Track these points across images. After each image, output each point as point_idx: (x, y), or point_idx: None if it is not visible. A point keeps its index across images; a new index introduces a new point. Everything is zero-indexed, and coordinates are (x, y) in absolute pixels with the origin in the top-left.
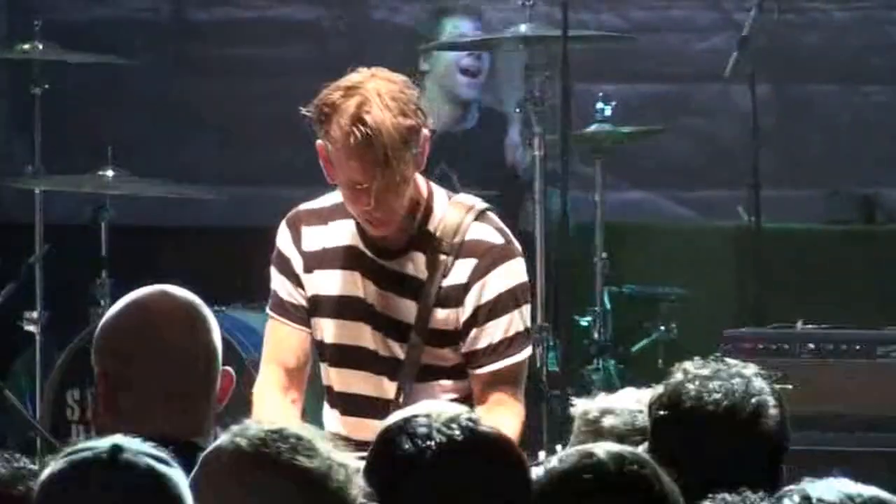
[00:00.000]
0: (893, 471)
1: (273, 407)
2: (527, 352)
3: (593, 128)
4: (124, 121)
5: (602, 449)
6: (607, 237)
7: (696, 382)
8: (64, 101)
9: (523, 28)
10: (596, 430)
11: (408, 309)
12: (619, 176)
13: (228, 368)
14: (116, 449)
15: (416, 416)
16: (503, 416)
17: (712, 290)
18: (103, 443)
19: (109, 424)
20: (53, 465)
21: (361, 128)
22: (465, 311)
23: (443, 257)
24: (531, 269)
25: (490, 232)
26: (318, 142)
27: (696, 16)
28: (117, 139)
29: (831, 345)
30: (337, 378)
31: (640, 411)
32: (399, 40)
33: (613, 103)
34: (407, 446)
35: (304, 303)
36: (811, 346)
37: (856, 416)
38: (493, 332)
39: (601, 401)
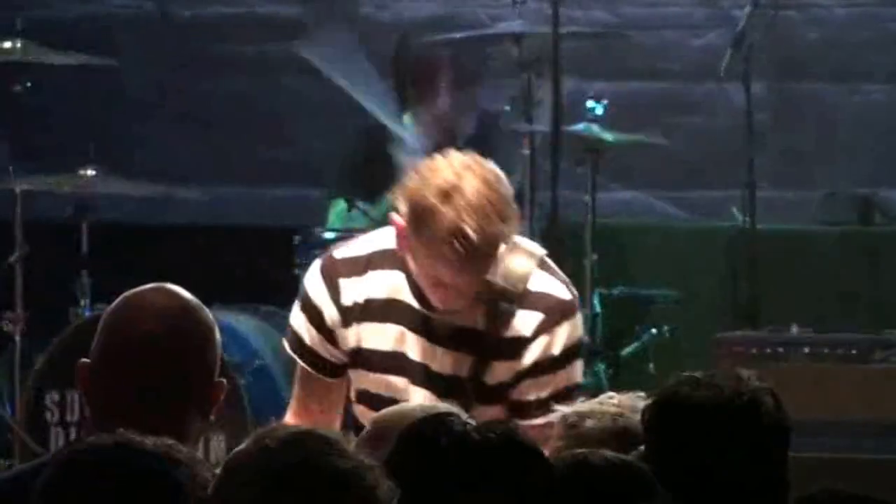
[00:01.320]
0: (891, 478)
1: None
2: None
3: (581, 126)
4: (106, 119)
5: (597, 457)
6: (598, 238)
7: (688, 384)
8: (45, 98)
9: (514, 24)
10: (576, 435)
11: (458, 363)
12: (610, 175)
13: (223, 380)
14: (119, 444)
15: (447, 415)
16: None
17: (705, 292)
18: (104, 441)
19: (91, 422)
20: (53, 464)
21: (462, 241)
22: (523, 363)
23: (505, 306)
24: None
25: (555, 284)
26: (397, 219)
27: (691, 12)
28: (99, 137)
29: (826, 349)
30: None
31: (621, 415)
32: (385, 37)
33: (605, 102)
34: (443, 441)
35: (336, 357)
36: (806, 349)
37: (852, 422)
38: (546, 385)
39: (580, 405)
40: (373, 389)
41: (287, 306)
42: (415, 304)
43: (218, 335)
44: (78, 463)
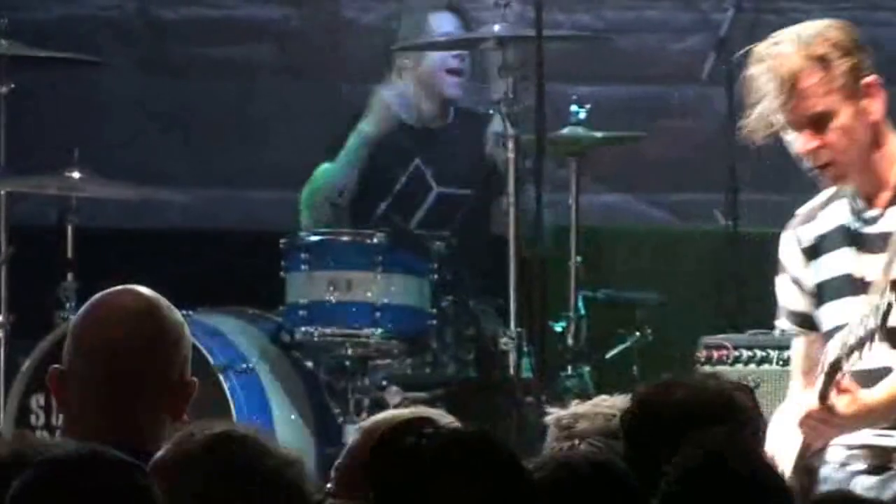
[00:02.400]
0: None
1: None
2: None
3: (566, 130)
4: (91, 121)
5: (578, 457)
6: (581, 241)
7: (665, 385)
8: (30, 100)
9: (497, 28)
10: (569, 436)
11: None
12: (593, 178)
13: (194, 379)
14: (88, 456)
15: (420, 420)
16: None
17: (689, 295)
18: (76, 450)
19: (63, 427)
20: (26, 471)
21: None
22: None
23: None
24: (503, 273)
25: None
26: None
27: (673, 16)
28: (84, 140)
29: None
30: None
31: (614, 415)
32: (369, 40)
33: (588, 106)
34: (413, 443)
35: (804, 307)
36: (789, 353)
37: None
38: None
39: (574, 407)
40: (828, 325)
41: (273, 309)
42: (851, 221)
43: (187, 334)
44: (47, 474)
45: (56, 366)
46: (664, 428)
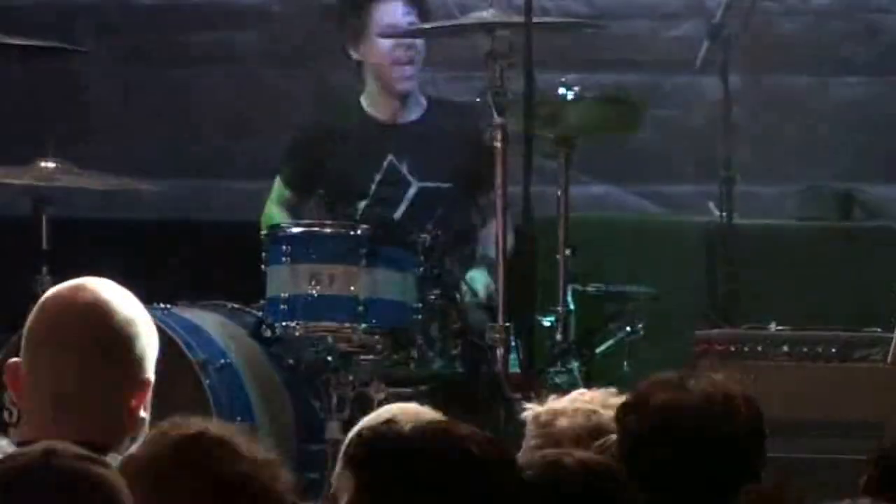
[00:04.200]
0: None
1: None
2: None
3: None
4: (66, 109)
5: (570, 458)
6: (570, 233)
7: (661, 385)
8: (3, 88)
9: (485, 14)
10: (549, 434)
11: None
12: (582, 169)
13: (149, 378)
14: (48, 453)
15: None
16: None
17: (681, 289)
18: (35, 448)
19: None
20: None
21: None
22: None
23: None
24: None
25: None
26: None
27: (665, 1)
28: (58, 129)
29: (806, 347)
30: None
31: (594, 411)
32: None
33: (577, 88)
34: (392, 441)
35: None
36: (785, 348)
37: (832, 421)
38: None
39: (552, 403)
40: None
41: (254, 302)
42: None
43: (147, 330)
44: (2, 473)
45: (14, 359)
46: (661, 430)
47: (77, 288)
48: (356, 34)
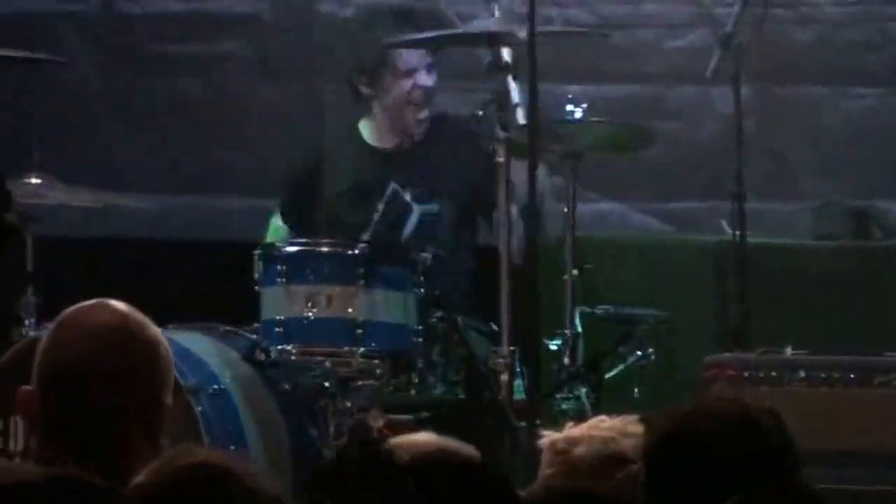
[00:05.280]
0: None
1: None
2: None
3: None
4: (49, 123)
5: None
6: (577, 252)
7: (690, 414)
8: None
9: (489, 24)
10: (566, 461)
11: None
12: (588, 185)
13: (170, 402)
14: (59, 478)
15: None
16: None
17: (692, 311)
18: (46, 472)
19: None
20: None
21: None
22: None
23: None
24: (494, 288)
25: None
26: None
27: (672, 11)
28: (43, 142)
29: (823, 372)
30: None
31: (613, 439)
32: (347, 36)
33: (584, 105)
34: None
35: None
36: (801, 373)
37: (851, 450)
38: None
39: (569, 430)
40: None
41: (247, 324)
42: None
43: (166, 353)
44: (16, 500)
45: (26, 387)
46: (690, 460)
47: (97, 309)
48: (372, 75)
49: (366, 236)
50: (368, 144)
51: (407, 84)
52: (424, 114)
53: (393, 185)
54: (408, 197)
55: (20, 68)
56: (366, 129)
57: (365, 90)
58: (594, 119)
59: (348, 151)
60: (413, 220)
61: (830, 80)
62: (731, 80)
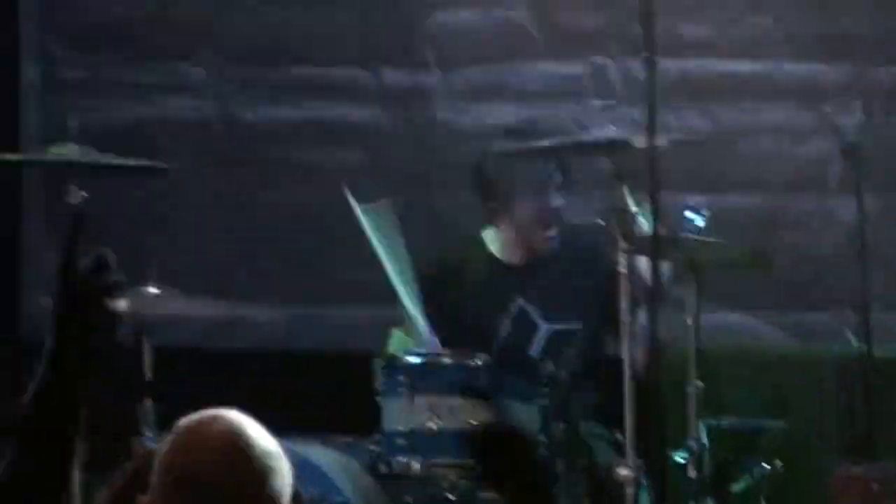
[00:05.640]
0: None
1: None
2: None
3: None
4: (165, 233)
5: None
6: (701, 364)
7: None
8: (103, 211)
9: (607, 131)
10: None
11: None
12: (711, 296)
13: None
14: None
15: None
16: None
17: (818, 423)
18: None
19: None
20: None
21: None
22: None
23: None
24: (619, 399)
25: None
26: None
27: (793, 118)
28: (158, 252)
29: None
30: None
31: None
32: (464, 144)
33: (705, 213)
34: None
35: None
36: None
37: None
38: None
39: None
40: None
41: (369, 436)
42: None
43: (285, 468)
44: None
45: (143, 497)
46: None
47: (214, 420)
48: (497, 188)
49: (492, 349)
50: (495, 256)
51: (537, 203)
52: (553, 231)
53: (520, 303)
54: (535, 316)
55: (138, 177)
56: (491, 240)
57: (490, 203)
58: (713, 240)
59: (472, 262)
60: (540, 339)
61: None
62: (855, 189)
